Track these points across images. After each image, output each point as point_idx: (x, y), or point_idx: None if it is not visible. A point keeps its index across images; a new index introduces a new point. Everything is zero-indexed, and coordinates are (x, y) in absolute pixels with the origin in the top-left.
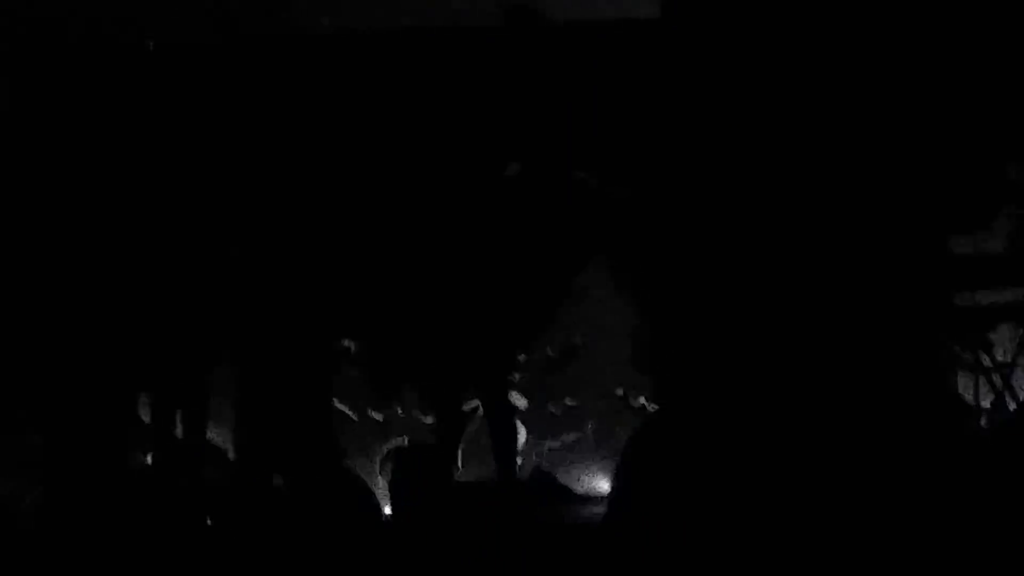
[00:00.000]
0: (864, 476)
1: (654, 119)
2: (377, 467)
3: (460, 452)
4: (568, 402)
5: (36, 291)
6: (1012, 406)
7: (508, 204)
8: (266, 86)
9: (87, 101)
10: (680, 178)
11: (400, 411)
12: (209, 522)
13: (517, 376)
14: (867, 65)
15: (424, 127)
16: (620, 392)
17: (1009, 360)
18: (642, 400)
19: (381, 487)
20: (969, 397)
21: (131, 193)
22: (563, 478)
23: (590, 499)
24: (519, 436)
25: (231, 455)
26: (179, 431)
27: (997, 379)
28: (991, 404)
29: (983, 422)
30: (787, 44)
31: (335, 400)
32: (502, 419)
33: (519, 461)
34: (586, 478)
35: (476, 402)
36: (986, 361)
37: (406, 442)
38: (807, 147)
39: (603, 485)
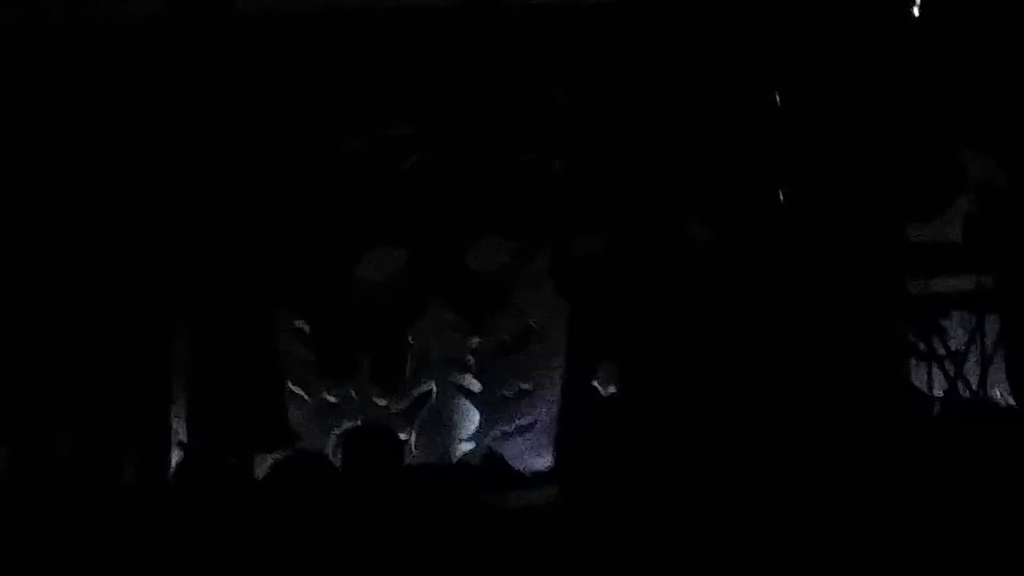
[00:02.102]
0: (817, 465)
1: (612, 102)
2: (330, 450)
3: (414, 435)
4: (521, 385)
5: None
6: (965, 395)
7: (463, 186)
8: (211, 66)
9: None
10: (640, 162)
11: (354, 393)
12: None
13: (471, 359)
14: (823, 55)
15: (377, 108)
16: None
17: (963, 348)
18: (596, 383)
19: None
20: (922, 385)
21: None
22: (515, 462)
23: (542, 482)
24: (472, 419)
25: (184, 437)
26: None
27: (950, 367)
28: (944, 393)
29: (935, 411)
30: (743, 32)
31: (289, 382)
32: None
33: (472, 445)
34: (539, 461)
35: (431, 384)
36: (940, 349)
37: (359, 424)
38: (763, 132)
39: (555, 469)
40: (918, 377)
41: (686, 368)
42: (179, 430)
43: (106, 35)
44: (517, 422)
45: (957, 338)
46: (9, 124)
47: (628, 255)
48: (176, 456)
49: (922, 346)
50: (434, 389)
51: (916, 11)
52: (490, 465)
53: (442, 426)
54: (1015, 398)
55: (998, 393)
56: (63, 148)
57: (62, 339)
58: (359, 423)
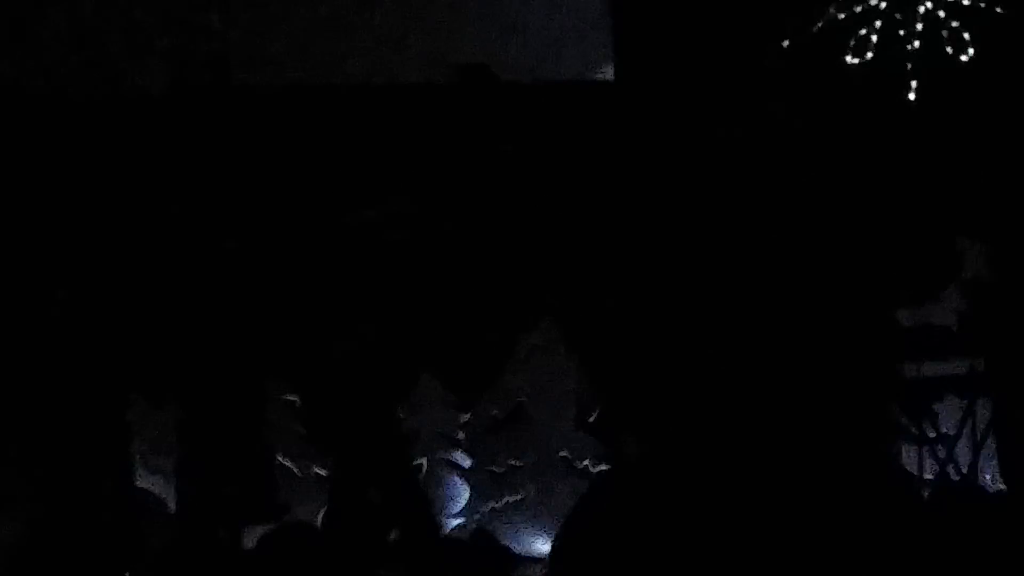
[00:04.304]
0: (808, 545)
1: (609, 179)
2: (319, 523)
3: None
4: (511, 462)
5: None
6: (955, 478)
7: (456, 260)
8: (209, 138)
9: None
10: (633, 238)
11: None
12: None
13: (461, 435)
14: (815, 137)
15: (372, 181)
16: (564, 454)
17: (953, 432)
18: (586, 462)
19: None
20: (913, 468)
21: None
22: (504, 539)
23: (531, 560)
24: (461, 495)
25: (172, 508)
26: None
27: (941, 451)
28: (934, 476)
29: (926, 494)
30: (739, 111)
31: (279, 455)
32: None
33: (461, 521)
34: (528, 539)
35: (421, 459)
36: (931, 432)
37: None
38: (756, 211)
39: (544, 547)
40: (909, 460)
41: (677, 447)
42: (168, 501)
43: (109, 107)
44: (507, 499)
45: (948, 422)
46: (14, 189)
47: (620, 330)
48: (165, 528)
49: (913, 429)
50: (424, 464)
51: (912, 96)
52: (479, 542)
53: (431, 501)
54: (1005, 482)
55: (988, 477)
56: (64, 213)
57: (51, 407)
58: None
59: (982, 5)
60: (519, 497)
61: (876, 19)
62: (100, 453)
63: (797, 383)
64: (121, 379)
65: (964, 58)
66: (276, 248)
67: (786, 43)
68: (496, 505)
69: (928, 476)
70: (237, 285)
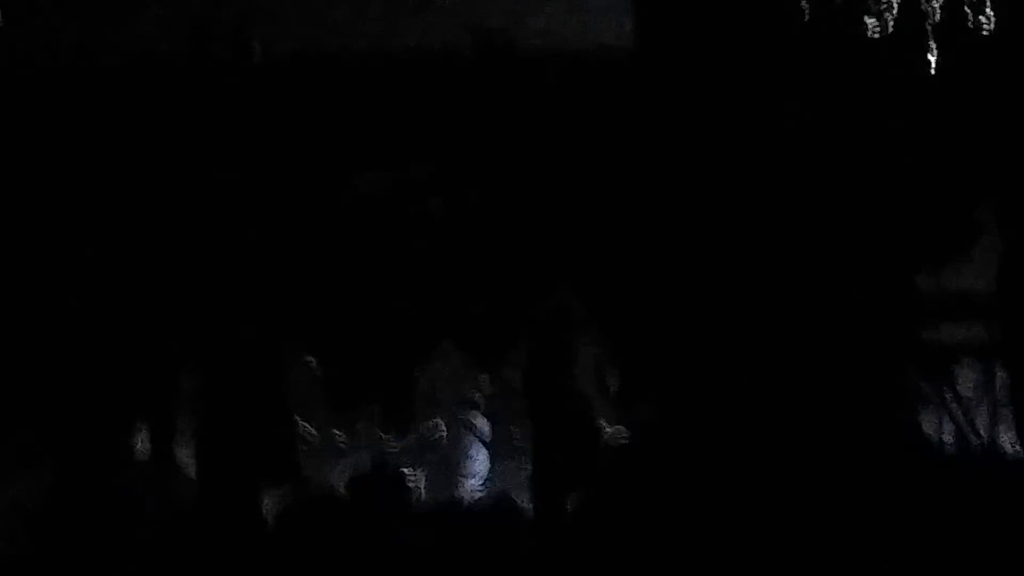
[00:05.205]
0: (828, 511)
1: (629, 147)
2: (338, 487)
3: (423, 475)
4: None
5: None
6: (975, 442)
7: (473, 229)
8: (232, 108)
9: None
10: (652, 211)
11: (363, 431)
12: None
13: (481, 399)
14: (835, 105)
15: (394, 150)
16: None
17: (972, 396)
18: (603, 424)
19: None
20: (932, 432)
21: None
22: (524, 502)
23: (551, 522)
24: (482, 459)
25: (193, 473)
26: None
27: (960, 415)
28: (953, 440)
29: (945, 457)
30: (758, 81)
31: (298, 418)
32: None
33: (482, 486)
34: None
35: (441, 424)
36: (949, 397)
37: (368, 462)
38: (775, 181)
39: (564, 509)
40: (928, 424)
41: (696, 412)
42: (186, 464)
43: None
44: (528, 463)
45: (967, 386)
46: (28, 157)
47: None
48: (183, 490)
49: (932, 393)
50: (444, 429)
51: (933, 63)
52: (499, 506)
53: (452, 466)
54: (1023, 446)
55: (1007, 441)
56: (79, 187)
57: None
58: (368, 462)
59: None
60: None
61: None
62: (119, 418)
63: (815, 348)
64: (139, 345)
65: (987, 26)
66: (296, 214)
67: (806, 14)
68: (516, 468)
69: (948, 440)
70: (258, 249)
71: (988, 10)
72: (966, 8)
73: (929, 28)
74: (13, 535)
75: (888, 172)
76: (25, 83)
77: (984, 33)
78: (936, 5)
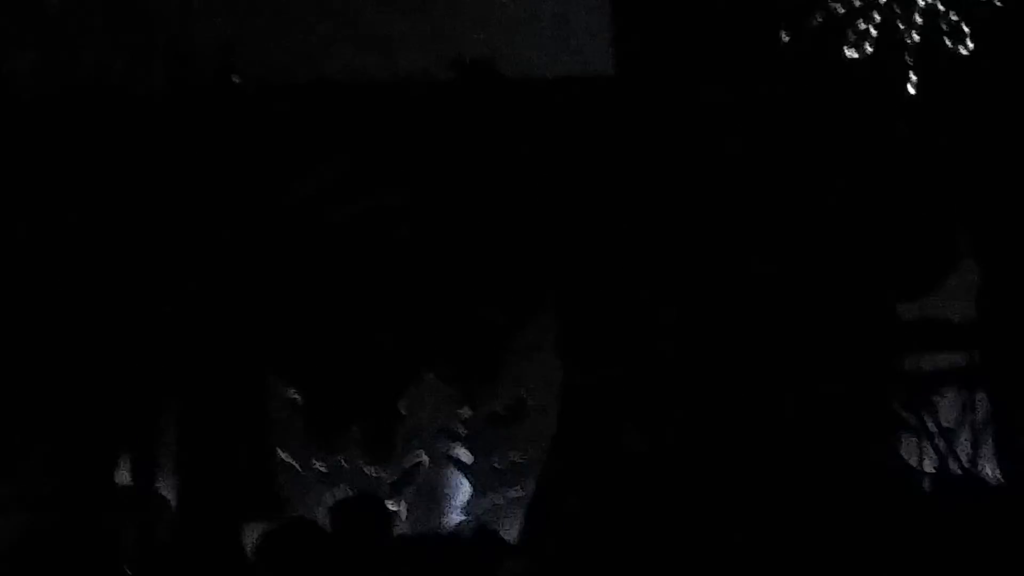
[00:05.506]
0: (810, 537)
1: (609, 174)
2: (320, 519)
3: (404, 505)
4: (513, 458)
5: None
6: (956, 471)
7: (461, 255)
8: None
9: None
10: (633, 230)
11: (344, 462)
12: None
13: (463, 430)
14: (815, 132)
15: (371, 178)
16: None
17: (954, 426)
18: (588, 450)
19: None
20: (913, 461)
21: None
22: (506, 534)
23: (533, 555)
24: (463, 490)
25: (174, 506)
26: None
27: (941, 444)
28: (935, 469)
29: (926, 487)
30: (739, 105)
31: (279, 450)
32: None
33: (463, 517)
34: (529, 534)
35: (422, 455)
36: (931, 425)
37: (350, 493)
38: (756, 205)
39: (546, 541)
40: (909, 453)
41: (678, 441)
42: (169, 498)
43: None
44: (508, 494)
45: (948, 414)
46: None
47: (621, 325)
48: (166, 524)
49: (913, 422)
50: (425, 460)
51: (911, 89)
52: (481, 537)
53: (433, 497)
54: (1004, 475)
55: (988, 470)
56: (66, 211)
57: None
58: (350, 493)
59: None
60: (520, 492)
61: (875, 12)
62: (100, 450)
63: (797, 376)
64: (123, 375)
65: (964, 51)
66: (276, 244)
67: (785, 36)
68: (497, 500)
69: (929, 469)
70: (238, 281)
71: (965, 33)
72: (943, 31)
73: (906, 52)
74: None
75: (868, 196)
76: None
77: (963, 53)
78: (913, 29)
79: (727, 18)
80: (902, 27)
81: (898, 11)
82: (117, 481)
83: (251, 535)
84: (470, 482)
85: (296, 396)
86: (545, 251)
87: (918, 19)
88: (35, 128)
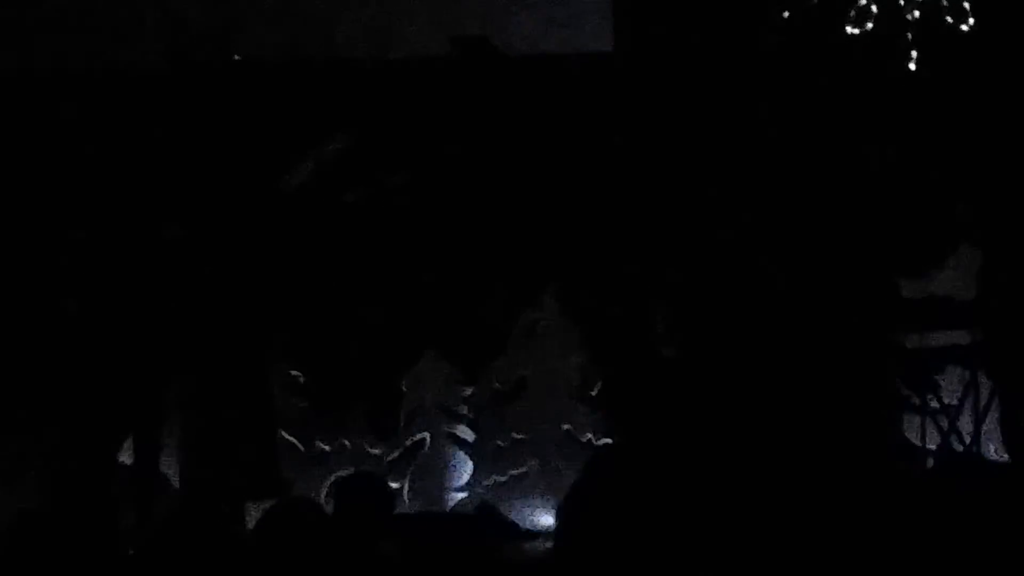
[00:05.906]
0: (811, 516)
1: (608, 152)
2: (323, 498)
3: (407, 484)
4: (515, 436)
5: None
6: (959, 449)
7: (460, 235)
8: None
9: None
10: (631, 212)
11: (347, 442)
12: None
13: (464, 408)
14: (815, 109)
15: (372, 157)
16: (567, 427)
17: (956, 403)
18: (589, 435)
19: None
20: (916, 439)
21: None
22: (508, 512)
23: (535, 534)
24: (465, 469)
25: (176, 485)
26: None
27: (944, 421)
28: (937, 447)
29: (929, 465)
30: (739, 82)
31: (281, 430)
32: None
33: (465, 495)
34: (531, 513)
35: (424, 433)
36: (933, 403)
37: (352, 472)
38: (756, 184)
39: (548, 520)
40: (912, 431)
41: (682, 420)
42: (171, 478)
43: (109, 83)
44: (511, 472)
45: (951, 393)
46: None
47: (625, 303)
48: (167, 504)
49: (916, 400)
50: (428, 438)
51: (912, 66)
52: (483, 515)
53: (435, 475)
54: (1008, 453)
55: (992, 448)
56: (59, 196)
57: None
58: (352, 471)
59: None
60: (523, 471)
61: None
62: (102, 429)
63: (799, 354)
64: (124, 357)
65: (965, 28)
66: (278, 224)
67: (786, 13)
68: (500, 479)
69: (931, 447)
70: (240, 261)
71: (966, 6)
72: (944, 8)
73: (908, 28)
74: None
75: (869, 173)
76: None
77: (963, 30)
78: (914, 5)
79: None
80: (903, 3)
81: None
82: (119, 460)
83: (253, 514)
84: (472, 460)
85: (298, 375)
86: (547, 230)
87: None
88: (30, 109)
